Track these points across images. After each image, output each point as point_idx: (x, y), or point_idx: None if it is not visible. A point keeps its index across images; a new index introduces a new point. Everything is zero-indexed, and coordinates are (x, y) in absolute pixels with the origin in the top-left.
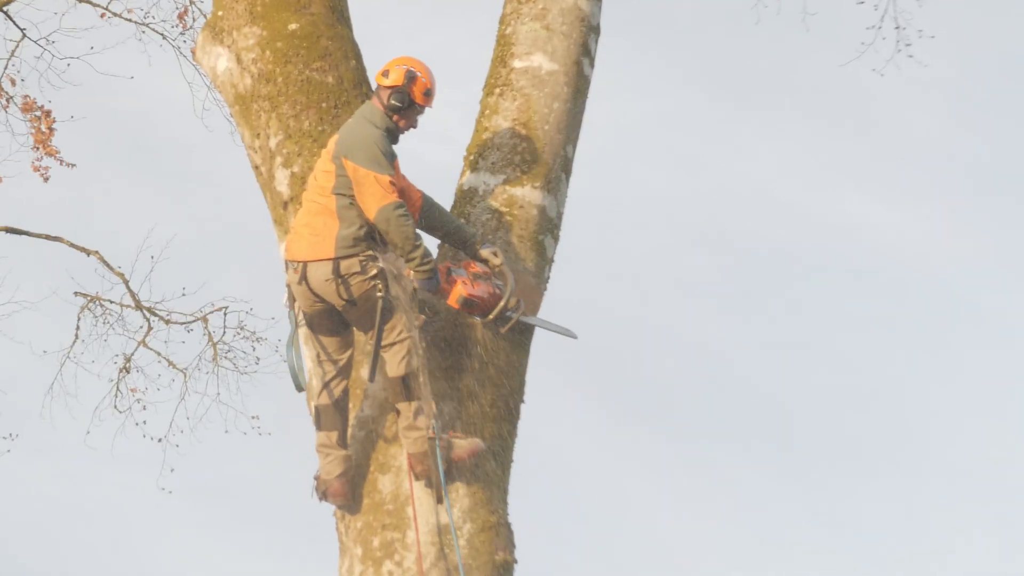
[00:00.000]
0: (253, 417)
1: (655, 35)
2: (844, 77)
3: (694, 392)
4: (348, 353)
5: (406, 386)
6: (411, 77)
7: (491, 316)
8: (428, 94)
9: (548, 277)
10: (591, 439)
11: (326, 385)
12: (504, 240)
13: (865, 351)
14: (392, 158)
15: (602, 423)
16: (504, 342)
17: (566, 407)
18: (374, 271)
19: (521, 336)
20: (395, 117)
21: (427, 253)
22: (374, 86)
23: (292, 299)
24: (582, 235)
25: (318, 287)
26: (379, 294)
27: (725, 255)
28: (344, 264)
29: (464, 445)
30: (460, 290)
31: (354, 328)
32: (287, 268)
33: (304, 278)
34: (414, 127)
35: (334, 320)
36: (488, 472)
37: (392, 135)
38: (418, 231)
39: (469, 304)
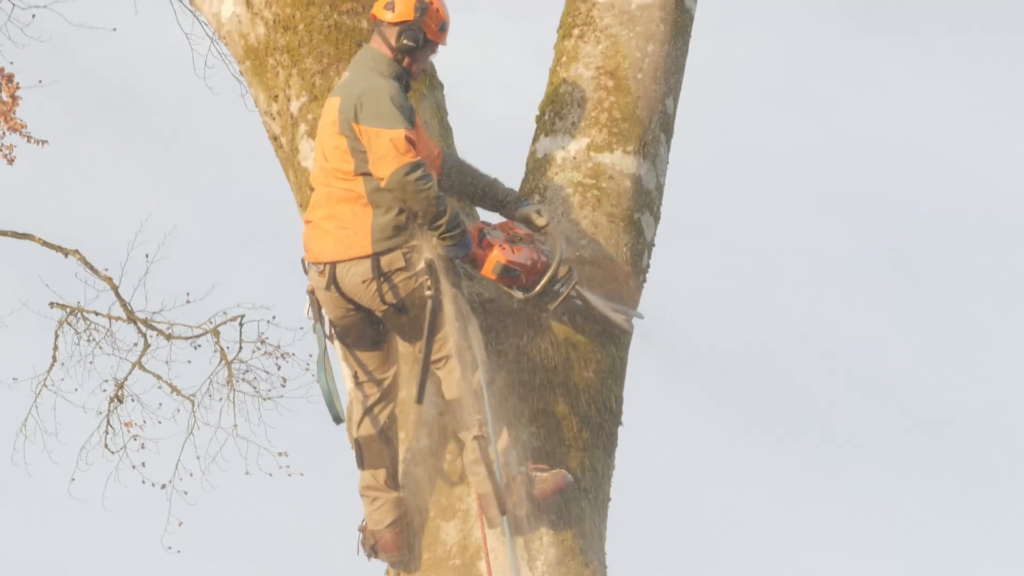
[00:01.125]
0: (280, 454)
1: None
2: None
3: (837, 401)
4: (393, 370)
5: (469, 409)
6: (422, 7)
7: (536, 289)
8: (443, 28)
9: (647, 266)
10: (708, 460)
11: (368, 412)
12: (590, 220)
13: None
14: (410, 112)
15: (722, 441)
16: (594, 345)
17: (676, 422)
18: (422, 264)
19: (616, 336)
20: (406, 61)
21: (455, 218)
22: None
23: (318, 308)
24: (688, 207)
25: (353, 291)
26: (428, 293)
27: (873, 224)
28: (385, 260)
29: (548, 479)
30: (497, 256)
31: (398, 339)
32: (308, 271)
33: (333, 282)
34: (426, 71)
35: (373, 330)
36: (579, 513)
37: (403, 83)
38: (441, 194)
39: (509, 273)
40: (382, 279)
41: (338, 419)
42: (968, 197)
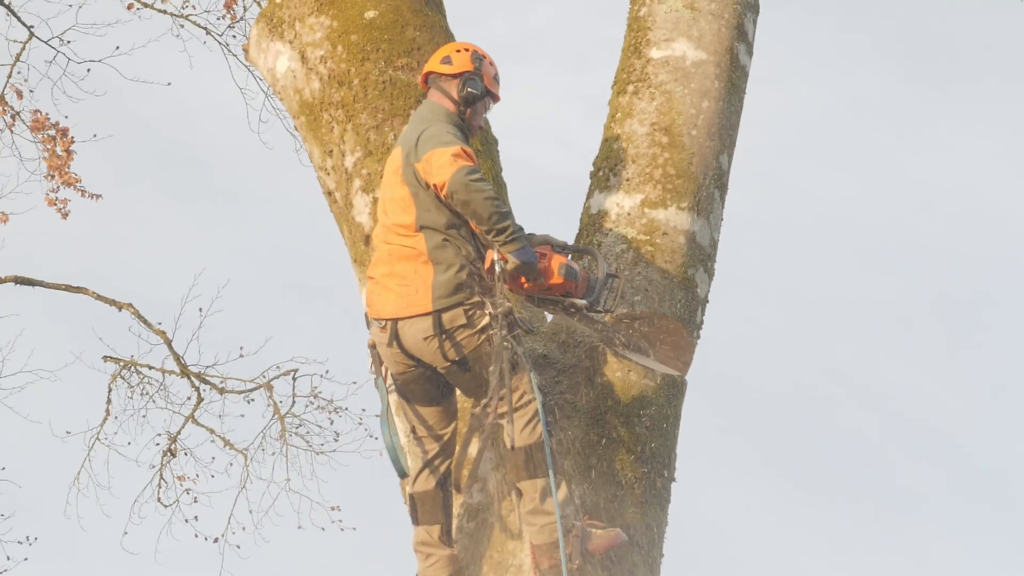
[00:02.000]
0: (333, 508)
1: (826, 2)
2: None
3: (893, 455)
4: (451, 426)
5: (531, 460)
6: (478, 59)
7: (595, 293)
8: (497, 80)
9: (702, 322)
10: (763, 515)
11: (426, 466)
12: (644, 276)
13: None
14: (466, 142)
15: (777, 495)
16: (648, 400)
17: (729, 473)
18: (484, 321)
19: (671, 391)
20: (468, 112)
21: (517, 224)
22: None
23: (380, 363)
24: (741, 259)
25: (415, 348)
26: (506, 345)
27: (928, 278)
28: (447, 317)
29: (602, 536)
30: (559, 258)
31: (459, 394)
32: (370, 326)
33: (396, 338)
34: (482, 127)
35: (433, 386)
36: (631, 569)
37: (464, 135)
38: (500, 199)
39: (571, 275)
40: (444, 336)
41: (403, 473)
42: (1019, 246)
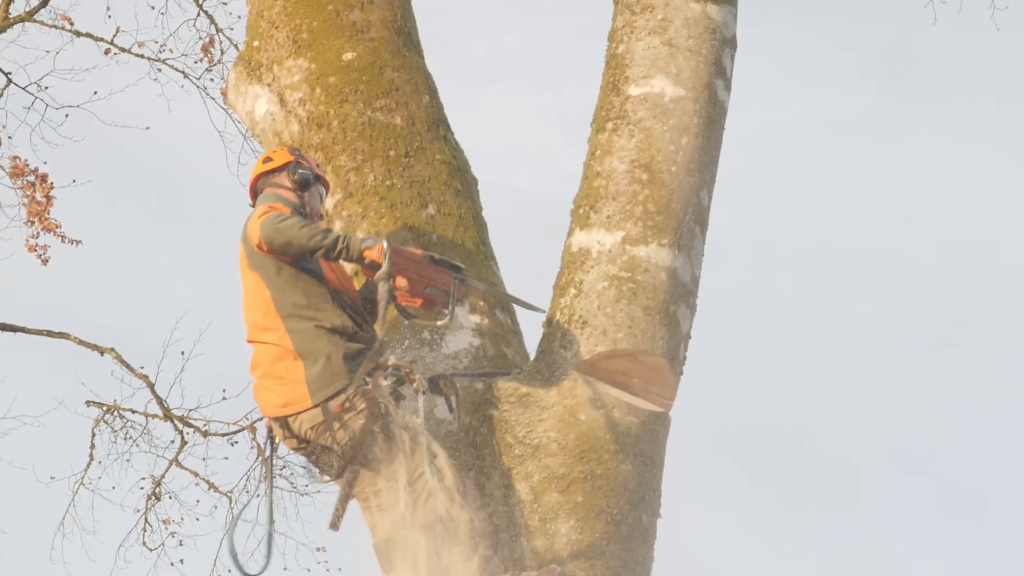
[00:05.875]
0: (318, 549)
1: (804, 23)
2: None
3: (880, 475)
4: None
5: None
6: (296, 151)
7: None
8: (320, 167)
9: (684, 358)
10: (746, 539)
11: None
12: (626, 313)
13: None
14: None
15: (760, 519)
16: (632, 437)
17: (713, 500)
18: (362, 405)
19: (655, 427)
20: (305, 197)
21: (351, 235)
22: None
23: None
24: (722, 279)
25: (308, 436)
26: (377, 424)
27: (908, 295)
28: (333, 404)
29: None
30: (416, 248)
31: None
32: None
33: (287, 429)
34: (320, 218)
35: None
36: None
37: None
38: (309, 221)
39: (436, 262)
40: (333, 421)
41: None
42: (1003, 265)
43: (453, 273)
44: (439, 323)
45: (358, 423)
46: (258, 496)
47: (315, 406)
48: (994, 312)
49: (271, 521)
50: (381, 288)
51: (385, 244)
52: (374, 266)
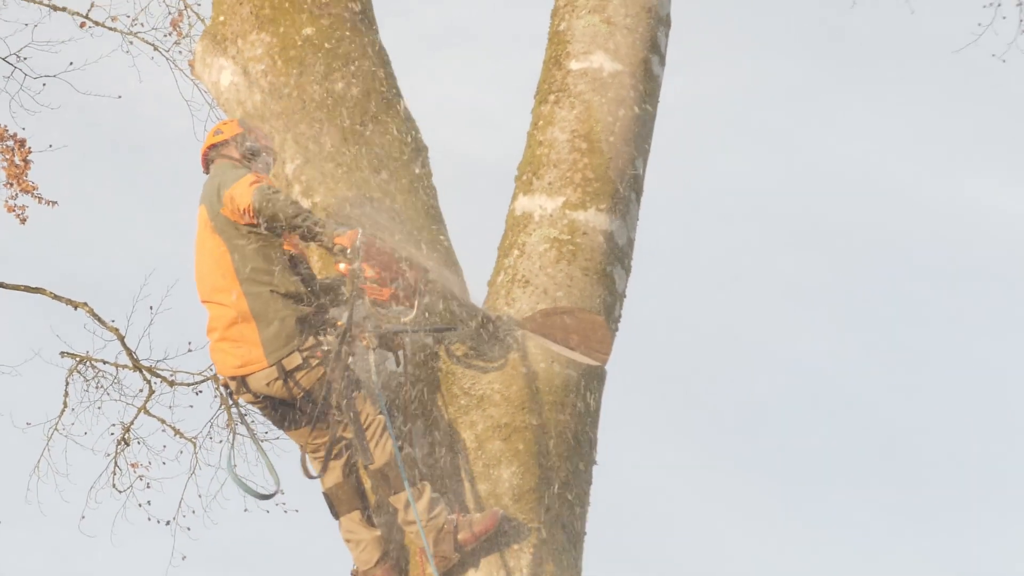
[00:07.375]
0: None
1: None
2: (959, 61)
3: (798, 420)
4: (327, 433)
5: (386, 478)
6: (244, 124)
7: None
8: (268, 138)
9: (619, 316)
10: (676, 480)
11: (327, 462)
12: (566, 273)
13: (1001, 365)
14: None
15: (689, 461)
16: (572, 389)
17: (643, 441)
18: (318, 360)
19: (592, 380)
20: (252, 167)
21: (324, 218)
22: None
23: (230, 395)
24: (656, 237)
25: (264, 391)
26: (342, 372)
27: (826, 253)
28: (286, 362)
29: (479, 520)
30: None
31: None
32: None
33: (244, 386)
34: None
35: (289, 413)
36: (556, 547)
37: None
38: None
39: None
40: (287, 377)
41: (256, 495)
42: (913, 225)
43: (421, 272)
44: (404, 319)
45: (312, 379)
46: (224, 442)
47: (271, 366)
48: (922, 277)
49: (264, 453)
50: (349, 274)
51: (359, 232)
52: (344, 252)
